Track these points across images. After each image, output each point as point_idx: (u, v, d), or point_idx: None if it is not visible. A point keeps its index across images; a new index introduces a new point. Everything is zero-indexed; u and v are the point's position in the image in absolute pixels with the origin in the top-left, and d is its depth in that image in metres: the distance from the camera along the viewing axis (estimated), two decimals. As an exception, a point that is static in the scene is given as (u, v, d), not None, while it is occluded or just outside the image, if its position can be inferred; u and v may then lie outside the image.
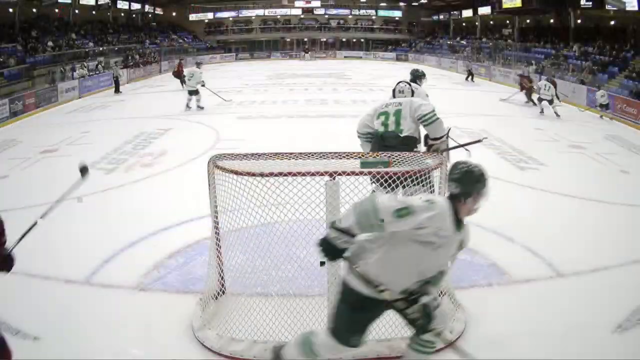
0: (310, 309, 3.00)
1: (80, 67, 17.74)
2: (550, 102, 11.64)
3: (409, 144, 3.94)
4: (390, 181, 2.73)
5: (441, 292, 3.28)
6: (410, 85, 4.45)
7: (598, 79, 15.77)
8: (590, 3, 20.06)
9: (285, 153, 3.13)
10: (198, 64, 13.32)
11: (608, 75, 16.25)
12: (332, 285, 2.79)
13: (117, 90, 16.98)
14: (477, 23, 31.49)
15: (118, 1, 28.82)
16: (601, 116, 11.98)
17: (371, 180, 3.06)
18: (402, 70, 25.91)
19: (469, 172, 2.20)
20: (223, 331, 2.94)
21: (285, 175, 2.76)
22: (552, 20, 24.49)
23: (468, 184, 2.17)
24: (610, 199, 5.57)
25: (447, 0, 32.78)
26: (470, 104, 11.89)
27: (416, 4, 36.20)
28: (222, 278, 3.37)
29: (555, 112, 11.57)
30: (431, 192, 3.36)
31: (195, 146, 7.95)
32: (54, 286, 3.65)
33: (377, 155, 3.19)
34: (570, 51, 20.23)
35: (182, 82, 15.71)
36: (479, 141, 4.44)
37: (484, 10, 29.15)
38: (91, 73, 18.36)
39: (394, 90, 4.46)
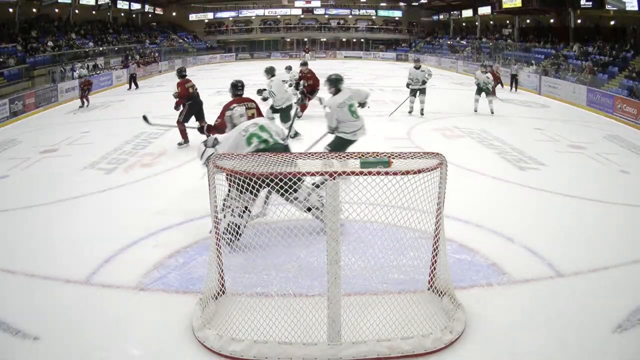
0: (310, 309, 3.00)
1: (80, 67, 17.78)
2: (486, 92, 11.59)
3: (288, 150, 4.54)
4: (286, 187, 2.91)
5: (441, 293, 3.29)
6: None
7: (598, 79, 15.80)
8: (590, 3, 20.06)
9: (286, 153, 3.13)
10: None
11: (608, 75, 16.26)
12: (332, 285, 2.79)
13: (133, 86, 17.56)
14: (477, 23, 31.50)
15: (118, 1, 28.82)
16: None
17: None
18: (402, 70, 26.00)
19: None
20: (223, 331, 2.94)
21: (285, 175, 2.76)
22: (552, 20, 24.49)
23: None
24: (610, 199, 5.56)
25: (447, 0, 32.79)
26: (470, 104, 11.89)
27: (416, 4, 36.21)
28: (222, 278, 3.37)
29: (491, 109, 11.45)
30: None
31: (196, 146, 7.93)
32: (54, 286, 3.65)
33: (378, 155, 3.19)
34: (570, 51, 20.25)
35: (84, 100, 13.57)
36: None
37: (484, 10, 29.17)
38: (91, 73, 18.39)
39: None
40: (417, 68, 10.66)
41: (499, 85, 15.51)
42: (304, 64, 10.49)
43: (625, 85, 14.37)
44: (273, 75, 8.61)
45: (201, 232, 4.36)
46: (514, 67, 17.88)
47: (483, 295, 3.51)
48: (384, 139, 8.22)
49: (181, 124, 8.03)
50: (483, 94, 11.50)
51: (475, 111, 11.62)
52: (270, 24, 39.33)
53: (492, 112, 11.35)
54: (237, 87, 5.41)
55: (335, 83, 5.51)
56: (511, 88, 16.82)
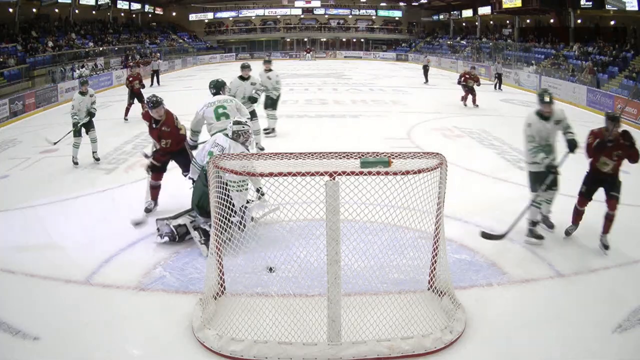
0: (310, 309, 3.00)
1: (79, 67, 17.80)
2: None
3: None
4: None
5: (441, 292, 3.29)
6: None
7: (597, 79, 15.79)
8: (590, 3, 20.07)
9: (285, 153, 3.13)
10: None
11: (608, 75, 16.25)
12: (332, 285, 2.79)
13: (158, 83, 17.69)
14: (477, 23, 31.51)
15: (118, 1, 28.82)
16: None
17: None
18: (402, 71, 26.06)
19: None
20: (223, 331, 2.94)
21: (285, 175, 2.76)
22: (552, 20, 24.49)
23: None
24: (610, 199, 5.55)
25: (447, 0, 32.79)
26: (470, 104, 11.90)
27: (416, 4, 36.22)
28: (222, 278, 3.37)
29: None
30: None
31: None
32: (54, 286, 3.65)
33: (377, 155, 3.18)
34: (570, 51, 20.24)
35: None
36: None
37: (484, 10, 29.19)
38: (91, 73, 18.39)
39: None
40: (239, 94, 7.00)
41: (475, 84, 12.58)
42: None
43: (625, 86, 14.36)
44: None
45: (201, 232, 4.35)
46: (498, 65, 17.95)
47: (483, 295, 3.51)
48: (384, 139, 8.22)
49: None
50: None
51: None
52: (270, 24, 39.33)
53: None
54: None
55: (215, 87, 5.80)
56: (495, 87, 16.90)
